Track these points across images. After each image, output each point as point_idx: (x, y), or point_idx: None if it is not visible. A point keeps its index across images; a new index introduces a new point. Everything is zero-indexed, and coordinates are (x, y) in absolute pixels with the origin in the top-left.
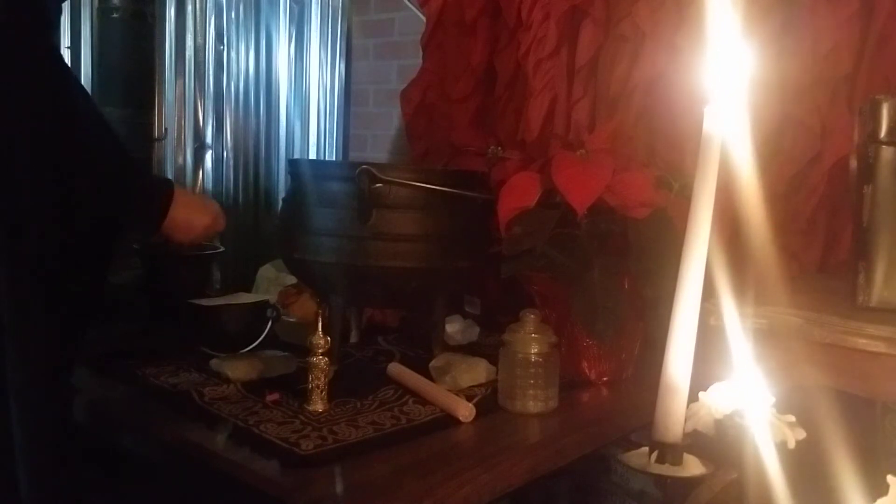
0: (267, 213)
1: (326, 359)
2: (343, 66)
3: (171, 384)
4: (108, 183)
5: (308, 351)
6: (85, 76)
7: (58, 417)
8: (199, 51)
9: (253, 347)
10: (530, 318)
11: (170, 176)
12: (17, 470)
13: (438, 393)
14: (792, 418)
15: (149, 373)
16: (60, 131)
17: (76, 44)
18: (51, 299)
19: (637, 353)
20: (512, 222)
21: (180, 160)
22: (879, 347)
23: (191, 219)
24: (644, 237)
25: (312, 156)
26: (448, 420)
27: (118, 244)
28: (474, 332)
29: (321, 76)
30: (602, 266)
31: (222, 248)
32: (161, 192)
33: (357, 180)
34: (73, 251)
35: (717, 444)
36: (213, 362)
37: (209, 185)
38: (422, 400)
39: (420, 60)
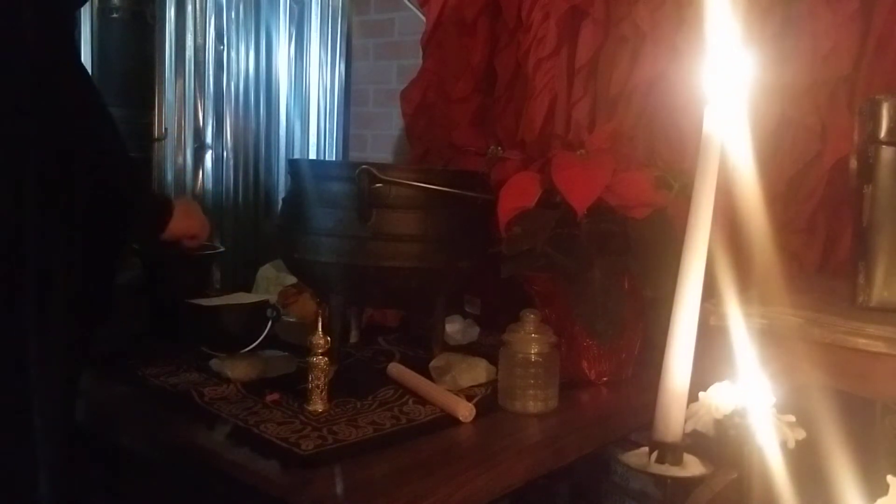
0: (267, 213)
1: (326, 359)
2: (343, 66)
3: (171, 384)
4: (120, 194)
5: (308, 351)
6: None
7: (70, 419)
8: (199, 51)
9: (253, 347)
10: (530, 318)
11: (169, 176)
12: (38, 472)
13: (438, 393)
14: (792, 418)
15: (149, 373)
16: (84, 140)
17: (77, 43)
18: (71, 302)
19: (637, 353)
20: (512, 222)
21: (180, 160)
22: (879, 347)
23: (180, 229)
24: (644, 237)
25: (312, 156)
26: (448, 420)
27: (125, 244)
28: (474, 332)
29: (321, 76)
30: (602, 266)
31: (222, 248)
32: (162, 209)
33: (357, 180)
34: (89, 254)
35: (717, 444)
36: (213, 362)
37: (209, 185)
38: (422, 400)
39: (420, 60)
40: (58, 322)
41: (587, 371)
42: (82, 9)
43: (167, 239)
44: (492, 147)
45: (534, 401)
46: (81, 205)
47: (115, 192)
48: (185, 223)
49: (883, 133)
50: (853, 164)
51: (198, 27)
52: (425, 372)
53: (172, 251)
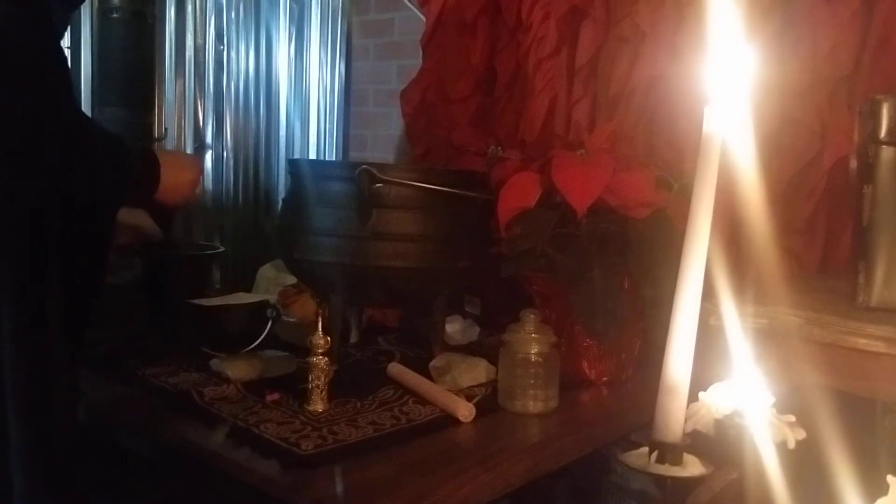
0: (267, 213)
1: (326, 359)
2: (343, 66)
3: (171, 384)
4: (104, 173)
5: (308, 351)
6: (85, 76)
7: (61, 419)
8: (199, 51)
9: (253, 347)
10: (530, 318)
11: None
12: (12, 472)
13: (438, 393)
14: (792, 418)
15: (149, 373)
16: (60, 135)
17: (76, 44)
18: (51, 298)
19: (637, 353)
20: (512, 222)
21: None
22: (879, 347)
23: (179, 179)
24: (644, 237)
25: (312, 156)
26: (448, 420)
27: (112, 238)
28: (474, 332)
29: (321, 76)
30: (602, 266)
31: (222, 248)
32: (149, 161)
33: (357, 180)
34: (71, 249)
35: (717, 444)
36: (213, 362)
37: (209, 185)
38: (422, 400)
39: (420, 60)
40: (37, 322)
41: (587, 371)
42: (82, 9)
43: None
44: (492, 147)
45: (534, 401)
46: (54, 203)
47: (95, 173)
48: (175, 175)
49: (883, 133)
50: (853, 164)
51: (198, 27)
52: (425, 372)
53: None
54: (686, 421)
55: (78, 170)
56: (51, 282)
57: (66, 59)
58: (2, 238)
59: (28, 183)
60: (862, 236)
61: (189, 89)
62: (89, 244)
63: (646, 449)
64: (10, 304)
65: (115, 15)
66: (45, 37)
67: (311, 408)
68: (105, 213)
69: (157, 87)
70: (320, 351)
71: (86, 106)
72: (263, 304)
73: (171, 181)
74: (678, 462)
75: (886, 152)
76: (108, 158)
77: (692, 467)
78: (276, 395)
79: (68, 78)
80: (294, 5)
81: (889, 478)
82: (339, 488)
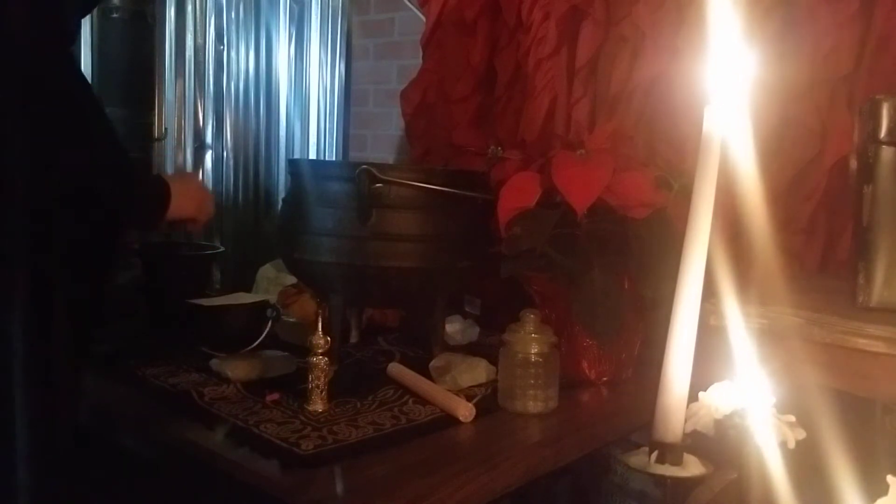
0: (267, 213)
1: (326, 359)
2: (343, 66)
3: (171, 384)
4: (117, 191)
5: (308, 351)
6: (85, 76)
7: (64, 419)
8: (199, 51)
9: (253, 347)
10: (530, 318)
11: None
12: (17, 473)
13: (438, 393)
14: (792, 418)
15: (149, 373)
16: (75, 145)
17: (76, 44)
18: (59, 301)
19: (637, 353)
20: (512, 222)
21: (180, 160)
22: (879, 347)
23: (187, 206)
24: (644, 237)
25: (312, 156)
26: (448, 420)
27: (119, 246)
28: (474, 332)
29: (321, 76)
30: (602, 266)
31: (222, 248)
32: (159, 191)
33: (357, 180)
34: (79, 254)
35: (717, 444)
36: (213, 362)
37: (209, 185)
38: (422, 400)
39: (420, 60)
40: (45, 325)
41: (587, 371)
42: None
43: (168, 222)
44: (492, 147)
45: (534, 401)
46: (69, 206)
47: (106, 195)
48: (181, 206)
49: (883, 133)
50: (853, 164)
51: (198, 27)
52: (425, 372)
53: (175, 234)
54: (686, 421)
55: (85, 177)
56: (60, 286)
57: (76, 62)
58: (14, 241)
59: (40, 187)
60: (862, 236)
61: (189, 89)
62: (97, 252)
63: (646, 449)
64: (21, 309)
65: (115, 15)
66: (59, 41)
67: (311, 408)
68: (111, 230)
69: (157, 87)
70: (320, 351)
71: None
72: (263, 304)
73: (180, 208)
74: (678, 462)
75: (886, 152)
76: (116, 171)
77: (692, 467)
78: (276, 395)
79: (81, 82)
80: (294, 5)
81: (889, 478)
82: (339, 488)
